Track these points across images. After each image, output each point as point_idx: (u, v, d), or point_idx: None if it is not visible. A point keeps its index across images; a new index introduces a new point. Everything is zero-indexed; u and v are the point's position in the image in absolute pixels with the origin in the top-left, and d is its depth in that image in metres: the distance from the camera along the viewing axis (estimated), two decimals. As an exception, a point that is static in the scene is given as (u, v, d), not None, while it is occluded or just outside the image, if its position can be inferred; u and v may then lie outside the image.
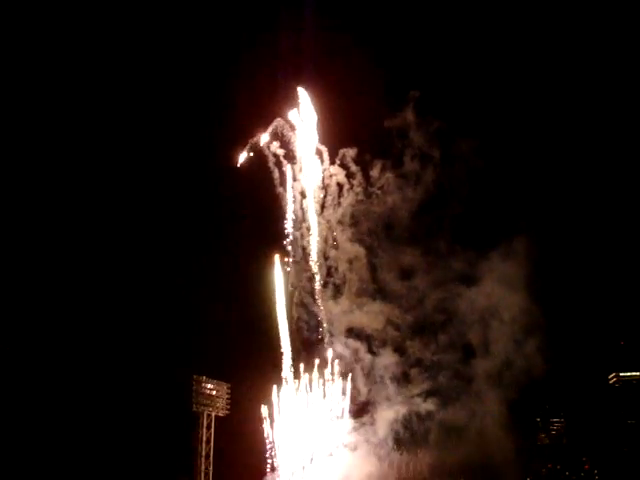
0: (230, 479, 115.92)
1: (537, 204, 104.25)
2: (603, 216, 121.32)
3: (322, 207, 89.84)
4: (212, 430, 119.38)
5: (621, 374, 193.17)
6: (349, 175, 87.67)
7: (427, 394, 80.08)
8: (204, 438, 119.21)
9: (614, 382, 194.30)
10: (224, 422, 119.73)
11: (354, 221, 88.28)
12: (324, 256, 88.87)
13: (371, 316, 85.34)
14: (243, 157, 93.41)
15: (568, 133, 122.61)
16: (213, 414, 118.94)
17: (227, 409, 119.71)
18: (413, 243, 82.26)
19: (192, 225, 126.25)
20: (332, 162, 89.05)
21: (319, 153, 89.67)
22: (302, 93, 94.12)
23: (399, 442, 79.85)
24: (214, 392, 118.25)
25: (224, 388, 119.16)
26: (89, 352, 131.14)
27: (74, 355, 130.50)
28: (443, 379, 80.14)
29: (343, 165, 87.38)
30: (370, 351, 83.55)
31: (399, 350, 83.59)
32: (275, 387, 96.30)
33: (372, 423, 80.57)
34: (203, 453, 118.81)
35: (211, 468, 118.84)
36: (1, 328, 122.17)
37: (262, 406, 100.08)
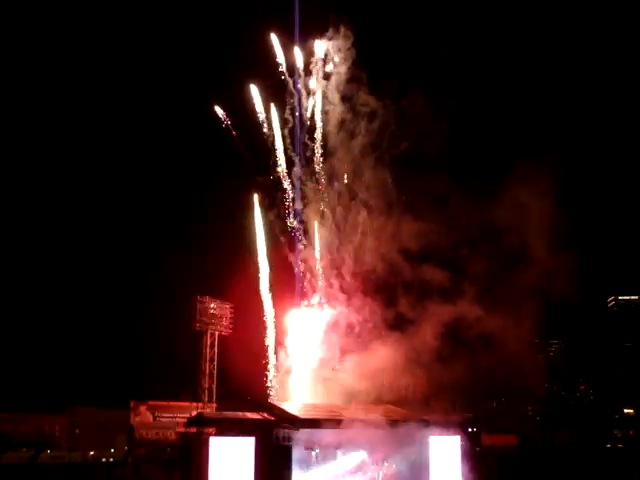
0: (233, 397, 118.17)
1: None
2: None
3: (352, 135, 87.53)
4: (215, 349, 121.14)
5: (620, 297, 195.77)
6: (384, 105, 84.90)
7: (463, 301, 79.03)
8: (208, 357, 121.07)
9: (612, 305, 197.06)
10: (227, 341, 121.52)
11: (381, 148, 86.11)
12: (345, 179, 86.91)
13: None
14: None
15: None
16: (216, 333, 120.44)
17: (230, 328, 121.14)
18: (443, 169, 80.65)
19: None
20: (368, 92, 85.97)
21: (355, 80, 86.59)
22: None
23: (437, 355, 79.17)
24: (217, 311, 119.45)
25: (227, 307, 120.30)
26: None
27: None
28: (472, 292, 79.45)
29: (375, 93, 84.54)
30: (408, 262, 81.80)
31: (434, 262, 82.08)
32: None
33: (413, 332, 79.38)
34: (207, 372, 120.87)
35: (215, 386, 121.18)
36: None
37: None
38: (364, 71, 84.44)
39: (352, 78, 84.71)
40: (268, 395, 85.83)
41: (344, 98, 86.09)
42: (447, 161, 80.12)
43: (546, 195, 77.61)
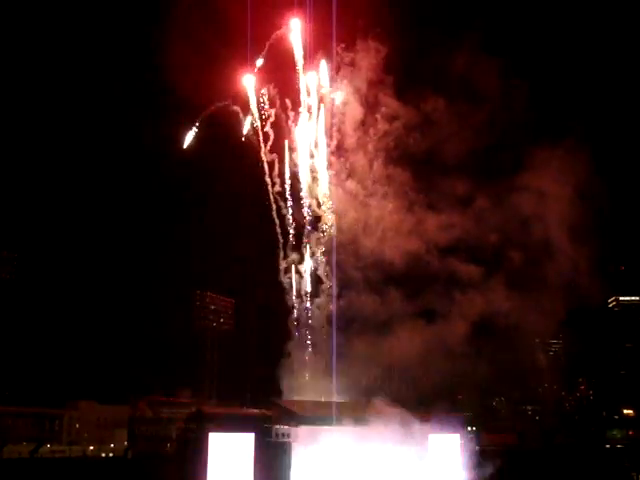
0: (234, 391, 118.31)
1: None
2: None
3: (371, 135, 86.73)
4: (216, 344, 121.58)
5: (621, 298, 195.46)
6: (406, 109, 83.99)
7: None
8: (208, 353, 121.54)
9: (613, 306, 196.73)
10: (228, 336, 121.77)
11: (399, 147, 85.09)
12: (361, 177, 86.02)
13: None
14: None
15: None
16: (217, 329, 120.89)
17: (231, 324, 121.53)
18: (463, 170, 79.90)
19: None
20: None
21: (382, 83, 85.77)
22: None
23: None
24: (218, 307, 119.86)
25: (228, 303, 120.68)
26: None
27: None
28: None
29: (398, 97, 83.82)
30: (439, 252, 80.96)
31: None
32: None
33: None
34: (207, 368, 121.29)
35: (215, 383, 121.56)
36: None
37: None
38: (390, 75, 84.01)
39: (377, 82, 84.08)
40: (270, 390, 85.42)
41: (366, 100, 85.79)
42: (467, 160, 79.86)
43: (545, 197, 77.72)
